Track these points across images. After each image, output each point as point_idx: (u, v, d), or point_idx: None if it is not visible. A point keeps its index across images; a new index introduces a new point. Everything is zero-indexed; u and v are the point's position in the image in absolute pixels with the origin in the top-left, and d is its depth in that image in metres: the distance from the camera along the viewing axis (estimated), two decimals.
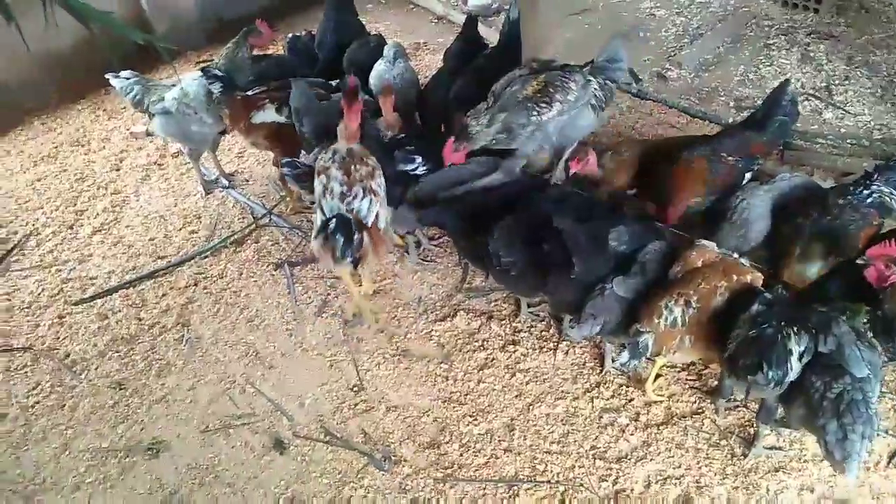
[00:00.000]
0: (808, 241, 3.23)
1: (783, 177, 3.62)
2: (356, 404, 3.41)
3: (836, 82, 5.05)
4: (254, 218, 4.45)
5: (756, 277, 3.00)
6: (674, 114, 4.96)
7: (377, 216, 3.35)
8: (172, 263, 4.19)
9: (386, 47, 4.36)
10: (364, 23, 5.04)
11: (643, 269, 3.10)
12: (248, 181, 4.77)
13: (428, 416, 3.32)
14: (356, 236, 3.23)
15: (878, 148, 4.42)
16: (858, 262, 2.90)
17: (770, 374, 2.55)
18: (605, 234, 3.15)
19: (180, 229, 4.48)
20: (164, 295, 4.04)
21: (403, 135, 3.88)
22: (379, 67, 4.31)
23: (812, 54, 5.34)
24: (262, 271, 4.13)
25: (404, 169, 3.68)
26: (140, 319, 3.90)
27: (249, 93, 4.17)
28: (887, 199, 3.34)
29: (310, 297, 3.96)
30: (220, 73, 4.15)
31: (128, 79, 4.23)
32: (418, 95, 4.42)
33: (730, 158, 3.63)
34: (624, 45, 4.23)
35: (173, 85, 4.23)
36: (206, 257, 4.23)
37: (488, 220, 3.28)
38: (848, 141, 4.54)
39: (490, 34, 5.21)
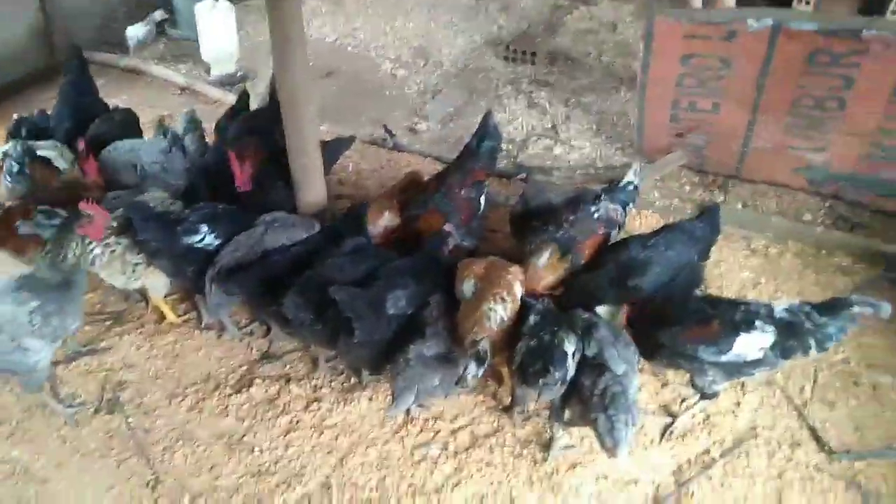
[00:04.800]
0: (544, 244, 3.63)
1: None
2: (155, 500, 3.12)
3: (560, 122, 5.79)
4: None
5: (515, 266, 3.40)
6: (429, 162, 5.31)
7: None
8: None
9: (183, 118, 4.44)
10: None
11: (436, 325, 3.24)
12: None
13: (238, 494, 3.14)
14: None
15: (602, 174, 5.12)
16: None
17: (556, 374, 2.84)
18: (383, 299, 3.23)
19: None
20: None
21: (184, 210, 3.75)
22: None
23: (536, 100, 6.07)
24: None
25: (190, 242, 3.54)
26: None
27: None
28: (613, 214, 3.85)
29: (80, 396, 3.58)
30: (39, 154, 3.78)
31: None
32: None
33: (462, 193, 3.99)
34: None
35: None
36: None
37: (287, 282, 3.27)
38: (578, 171, 5.20)
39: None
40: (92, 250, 3.54)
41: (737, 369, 3.11)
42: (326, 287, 3.15)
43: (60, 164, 4.14)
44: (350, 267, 3.43)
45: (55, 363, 3.70)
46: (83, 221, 3.22)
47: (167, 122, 4.46)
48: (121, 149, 4.27)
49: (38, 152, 4.08)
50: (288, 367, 3.72)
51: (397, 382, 3.11)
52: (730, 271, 4.27)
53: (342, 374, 3.67)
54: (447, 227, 3.76)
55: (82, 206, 3.25)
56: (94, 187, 4.07)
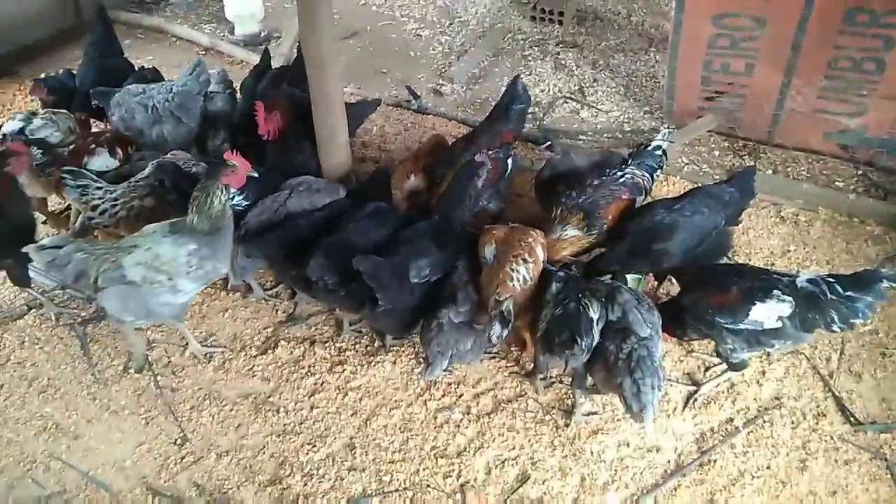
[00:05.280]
0: (568, 211, 3.57)
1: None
2: (182, 457, 3.20)
3: (587, 85, 5.68)
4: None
5: (536, 230, 3.39)
6: (454, 125, 5.26)
7: None
8: None
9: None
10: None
11: (466, 289, 3.25)
12: None
13: (263, 453, 3.20)
14: None
15: (629, 138, 5.03)
16: None
17: (583, 343, 2.82)
18: (406, 269, 3.20)
19: None
20: None
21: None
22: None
23: (563, 62, 5.95)
24: (48, 336, 3.73)
25: None
26: None
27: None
28: (639, 179, 3.77)
29: (110, 355, 3.64)
30: (33, 137, 3.84)
31: (58, 247, 3.16)
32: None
33: (490, 153, 3.93)
34: None
35: (133, 246, 3.19)
36: None
37: (311, 245, 3.28)
38: (605, 135, 5.12)
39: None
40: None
41: (755, 338, 3.07)
42: (350, 250, 3.15)
43: (55, 137, 4.17)
44: (373, 229, 3.44)
45: (85, 322, 3.78)
46: (227, 171, 3.24)
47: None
48: (133, 91, 4.32)
49: (32, 136, 4.09)
50: (313, 329, 3.75)
51: (431, 347, 3.12)
52: (758, 238, 4.20)
53: (366, 336, 3.69)
54: (479, 158, 3.72)
55: (227, 155, 3.30)
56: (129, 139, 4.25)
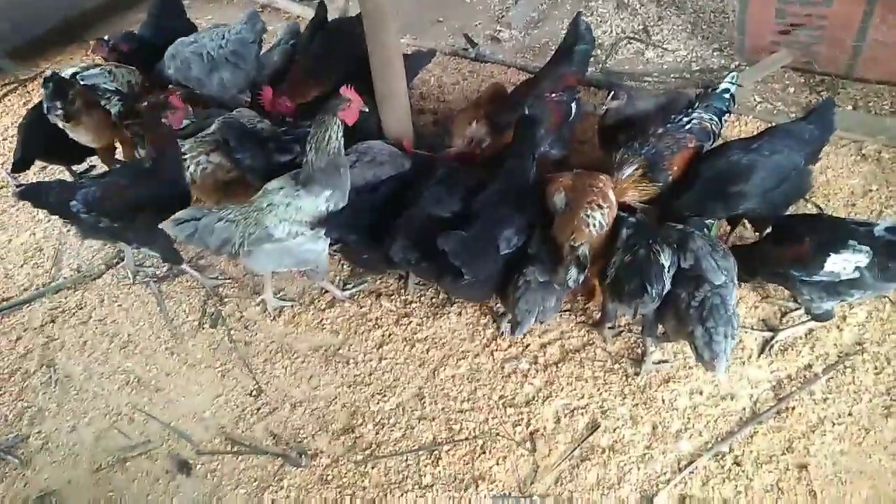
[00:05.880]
0: (627, 161, 3.42)
1: None
2: (258, 408, 3.30)
3: (652, 24, 5.43)
4: None
5: (604, 175, 3.32)
6: (513, 72, 5.12)
7: None
8: (17, 301, 3.86)
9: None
10: None
11: (548, 251, 3.16)
12: None
13: (335, 403, 3.28)
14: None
15: (698, 78, 4.81)
16: None
17: (653, 291, 2.76)
18: (495, 238, 3.14)
19: (21, 266, 4.09)
20: (18, 339, 3.69)
21: (275, 129, 3.78)
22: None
23: (626, 1, 5.71)
24: (125, 294, 3.87)
25: (283, 161, 3.56)
26: None
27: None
28: (707, 124, 3.59)
29: (185, 311, 3.76)
30: (114, 88, 3.89)
31: (197, 219, 3.22)
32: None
33: (553, 96, 3.83)
34: None
35: (270, 205, 3.25)
36: (59, 291, 3.91)
37: (385, 224, 3.26)
38: (672, 76, 4.91)
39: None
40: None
41: (833, 289, 2.95)
42: (428, 222, 3.15)
43: (111, 86, 4.06)
44: (446, 196, 3.38)
45: (160, 280, 3.90)
46: (344, 105, 3.26)
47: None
48: (185, 42, 4.31)
49: (84, 81, 3.99)
50: (379, 282, 3.77)
51: (519, 305, 3.08)
52: (837, 178, 3.99)
53: (431, 289, 3.70)
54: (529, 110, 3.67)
55: (343, 91, 3.31)
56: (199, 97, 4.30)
